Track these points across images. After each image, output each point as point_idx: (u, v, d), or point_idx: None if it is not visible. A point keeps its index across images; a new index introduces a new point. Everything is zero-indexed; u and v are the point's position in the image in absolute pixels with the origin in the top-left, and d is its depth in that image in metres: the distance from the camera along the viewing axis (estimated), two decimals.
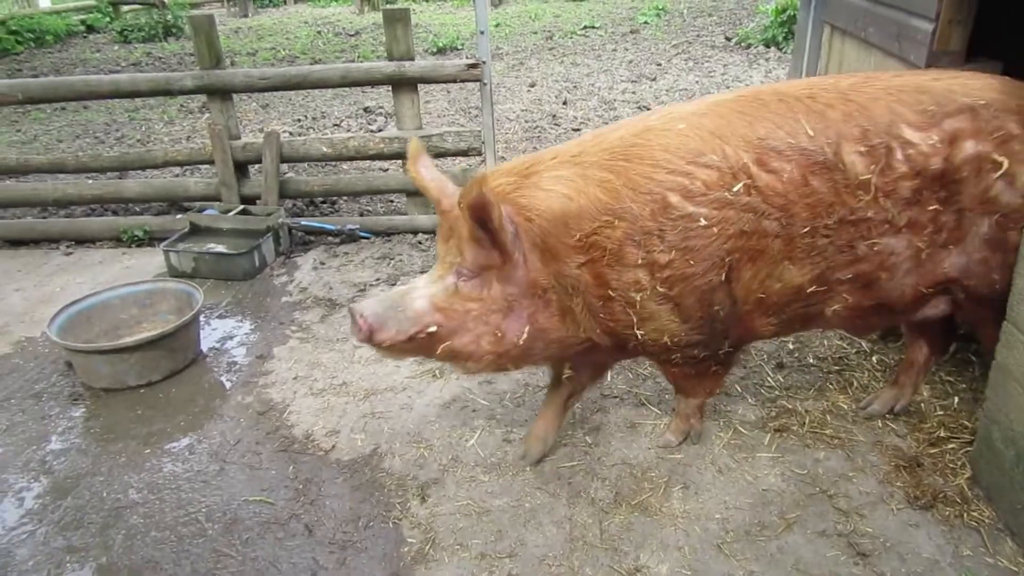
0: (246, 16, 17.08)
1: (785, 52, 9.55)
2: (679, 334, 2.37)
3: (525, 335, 2.31)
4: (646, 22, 12.88)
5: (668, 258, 2.22)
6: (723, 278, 2.28)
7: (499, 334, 2.30)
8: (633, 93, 8.19)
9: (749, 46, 10.17)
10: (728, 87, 8.16)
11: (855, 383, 3.18)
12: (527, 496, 2.72)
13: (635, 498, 2.66)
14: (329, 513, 2.71)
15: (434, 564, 2.45)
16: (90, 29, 15.20)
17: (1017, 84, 2.36)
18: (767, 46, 10.01)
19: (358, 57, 10.62)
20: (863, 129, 2.22)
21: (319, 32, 13.21)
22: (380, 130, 7.04)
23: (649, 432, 2.99)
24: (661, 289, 2.25)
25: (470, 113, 7.71)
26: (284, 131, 7.00)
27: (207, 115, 8.06)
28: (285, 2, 18.69)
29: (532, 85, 8.81)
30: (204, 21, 4.68)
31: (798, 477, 2.71)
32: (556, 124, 7.25)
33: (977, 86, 2.29)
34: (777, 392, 3.18)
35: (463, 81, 4.61)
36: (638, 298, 2.26)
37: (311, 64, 10.11)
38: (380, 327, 2.26)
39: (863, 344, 3.46)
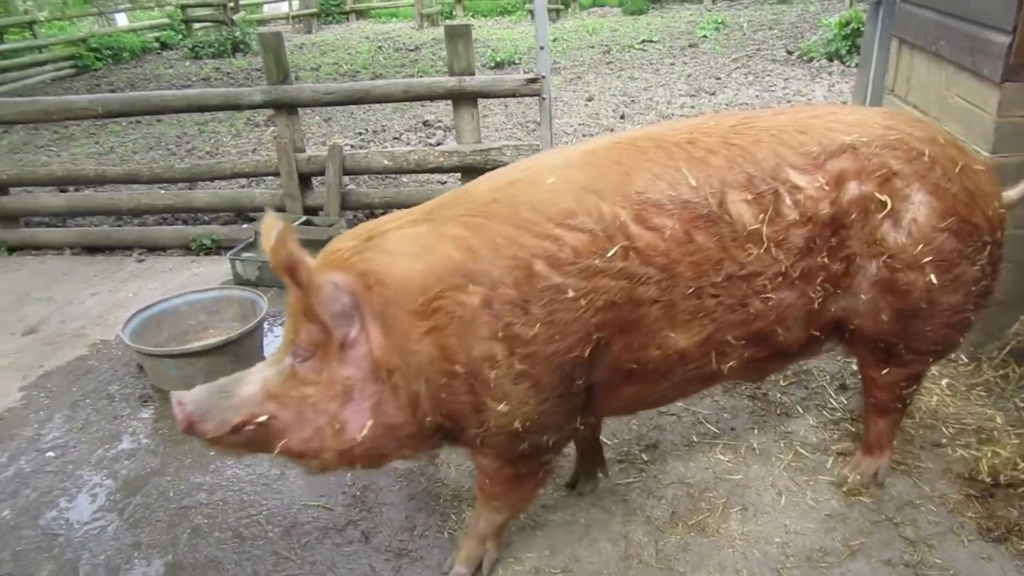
0: (310, 32, 17.59)
1: (849, 66, 9.36)
2: (532, 416, 2.01)
3: (367, 429, 1.96)
4: (705, 36, 12.79)
5: (532, 333, 1.89)
6: (588, 353, 1.99)
7: (338, 426, 1.96)
8: (692, 107, 8.13)
9: (811, 60, 10.00)
10: (789, 101, 8.03)
11: (923, 407, 3.08)
12: (582, 512, 2.71)
13: (692, 518, 2.62)
14: (385, 521, 2.74)
15: None
16: (163, 46, 15.86)
17: (895, 115, 2.27)
18: (830, 60, 9.83)
19: (418, 72, 10.82)
20: (748, 175, 2.04)
21: (380, 47, 13.52)
22: (439, 144, 7.14)
23: (707, 451, 2.94)
24: (520, 366, 1.92)
25: (527, 127, 7.77)
26: (346, 144, 7.18)
27: (271, 128, 8.33)
28: (347, 18, 19.17)
29: (589, 99, 8.84)
30: (272, 38, 4.84)
31: (862, 503, 2.63)
32: None
33: (853, 121, 2.17)
34: (840, 414, 3.10)
35: (522, 96, 4.65)
36: (492, 376, 1.92)
37: (373, 79, 10.33)
38: (202, 417, 1.96)
39: (933, 369, 3.35)
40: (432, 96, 4.78)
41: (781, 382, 3.33)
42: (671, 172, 2.01)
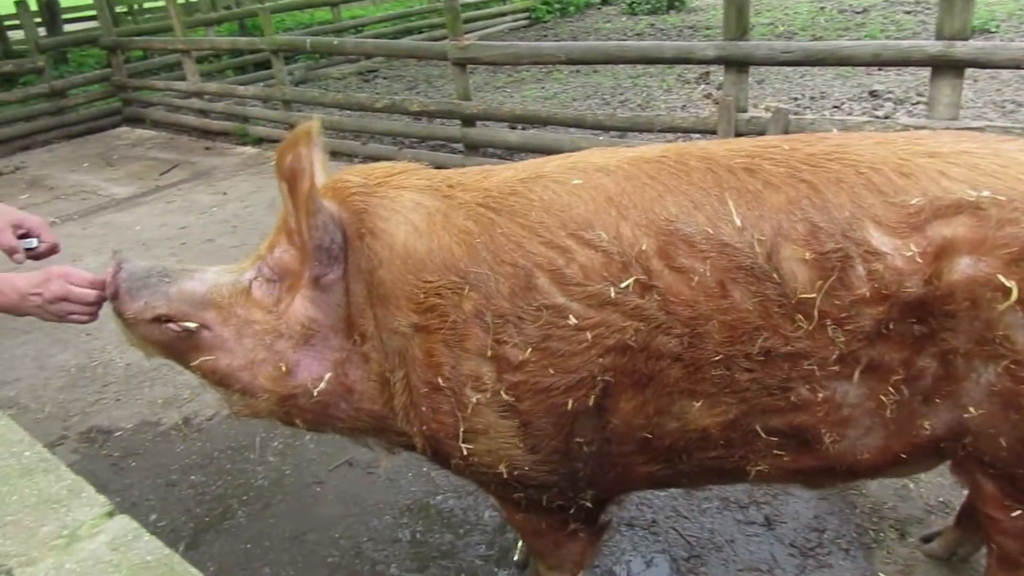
0: None
1: None
2: (521, 466, 1.71)
3: (324, 384, 1.73)
4: None
5: (522, 357, 1.59)
6: (592, 403, 1.62)
7: (284, 368, 1.73)
8: None
9: None
10: None
11: None
12: None
13: None
14: (792, 513, 2.58)
15: None
16: (604, 2, 16.82)
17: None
18: None
19: (864, 37, 9.79)
20: (812, 226, 1.50)
21: (822, 8, 12.52)
22: (887, 117, 6.39)
23: None
24: (507, 397, 1.62)
25: (1003, 108, 6.54)
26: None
27: (701, 87, 8.29)
28: None
29: None
30: None
31: None
32: None
33: (991, 167, 1.48)
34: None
35: None
36: (474, 400, 1.63)
37: (836, 40, 9.62)
38: (128, 291, 1.74)
39: None
40: (908, 62, 4.23)
41: None
42: (714, 203, 1.56)
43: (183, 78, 9.24)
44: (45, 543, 0.96)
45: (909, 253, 1.48)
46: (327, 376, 1.74)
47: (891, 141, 1.63)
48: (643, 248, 1.55)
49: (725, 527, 2.54)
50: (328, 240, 1.67)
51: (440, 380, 1.65)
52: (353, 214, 1.70)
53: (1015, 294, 1.43)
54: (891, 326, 1.52)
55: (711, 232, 1.54)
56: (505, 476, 1.74)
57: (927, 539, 2.40)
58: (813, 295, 1.51)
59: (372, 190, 1.74)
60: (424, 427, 1.73)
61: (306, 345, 1.73)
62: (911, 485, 2.63)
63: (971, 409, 1.56)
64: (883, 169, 1.54)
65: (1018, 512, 1.72)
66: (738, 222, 1.54)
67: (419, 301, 1.63)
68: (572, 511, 1.88)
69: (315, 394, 1.74)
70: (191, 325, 1.73)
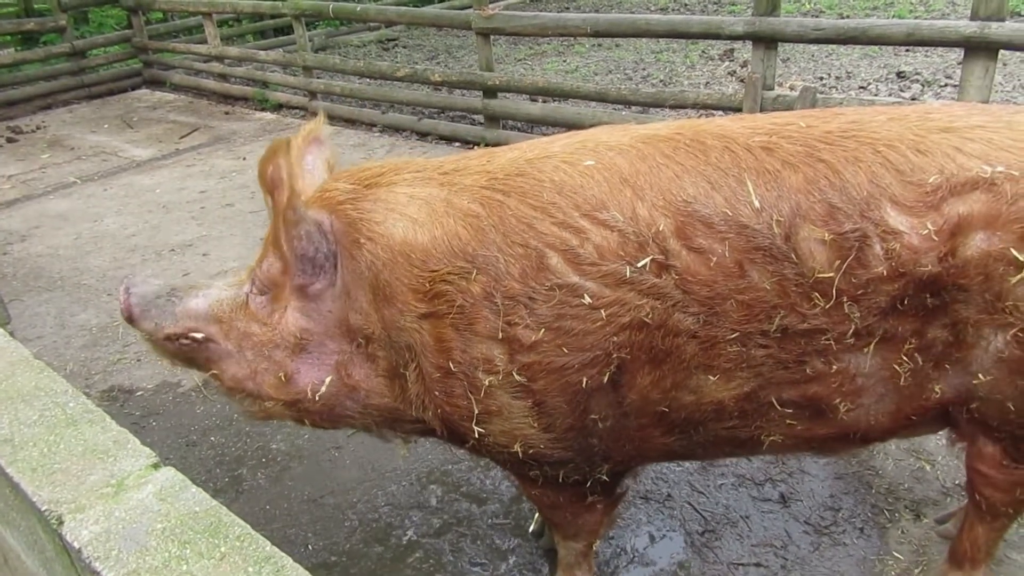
0: None
1: None
2: (536, 444, 1.74)
3: (325, 388, 1.76)
4: None
5: (534, 338, 1.60)
6: (607, 380, 1.63)
7: (283, 377, 1.78)
8: None
9: None
10: None
11: None
12: None
13: None
14: (807, 491, 2.59)
15: None
16: None
17: None
18: None
19: (893, 15, 9.61)
20: (830, 207, 1.53)
21: None
22: (914, 99, 6.29)
23: None
24: (519, 378, 1.64)
25: None
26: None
27: (725, 64, 8.18)
28: None
29: None
30: None
31: None
32: None
33: (1006, 141, 1.51)
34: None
35: None
36: (486, 382, 1.65)
37: (867, 17, 9.46)
38: (141, 313, 1.81)
39: None
40: (942, 42, 4.14)
41: None
42: (732, 184, 1.57)
43: (204, 42, 9.20)
44: (94, 491, 0.98)
45: (926, 231, 1.51)
46: (328, 380, 1.77)
47: (904, 116, 1.65)
48: (660, 228, 1.57)
49: (740, 503, 2.56)
50: (312, 250, 1.68)
51: (451, 364, 1.66)
52: (346, 224, 1.70)
53: None
54: (906, 301, 1.56)
55: (730, 213, 1.56)
56: (521, 455, 1.76)
57: (941, 520, 2.41)
58: (831, 274, 1.53)
59: (363, 195, 1.73)
60: (439, 411, 1.75)
61: (302, 353, 1.77)
62: (927, 467, 2.63)
63: (980, 376, 1.62)
64: (899, 147, 1.56)
65: (1013, 467, 1.82)
66: (757, 203, 1.55)
67: (425, 290, 1.64)
68: (588, 484, 1.91)
69: (318, 398, 1.77)
70: (198, 336, 1.80)
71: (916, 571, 2.24)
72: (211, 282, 1.90)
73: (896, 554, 2.32)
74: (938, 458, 2.67)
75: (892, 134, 1.58)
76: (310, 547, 2.57)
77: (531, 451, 1.76)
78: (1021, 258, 1.49)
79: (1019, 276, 1.50)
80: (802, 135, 1.62)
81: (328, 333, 1.75)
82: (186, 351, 1.82)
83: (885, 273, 1.53)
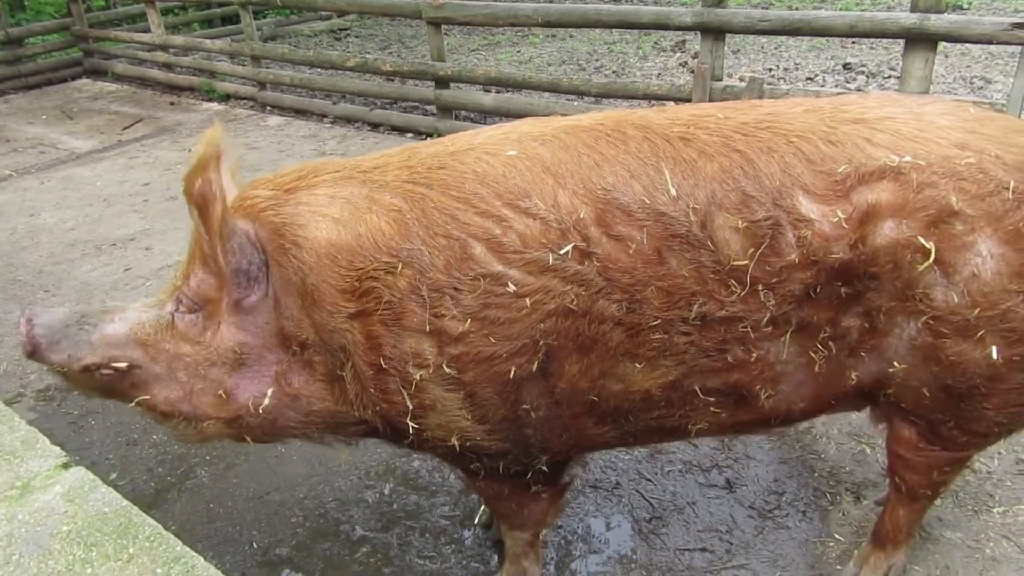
0: None
1: None
2: (472, 436, 1.74)
3: (267, 400, 1.73)
4: None
5: (462, 328, 1.60)
6: (536, 368, 1.64)
7: (223, 394, 1.73)
8: None
9: None
10: None
11: None
12: (990, 541, 2.30)
13: None
14: (752, 476, 2.63)
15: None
16: None
17: (985, 122, 1.62)
18: None
19: (839, 7, 9.80)
20: (744, 195, 1.56)
21: None
22: (859, 90, 6.42)
23: None
24: (449, 370, 1.64)
25: (972, 84, 6.60)
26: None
27: (677, 55, 8.24)
28: None
29: None
30: None
31: None
32: None
33: (912, 131, 1.58)
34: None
35: (1000, 43, 3.89)
36: (418, 376, 1.64)
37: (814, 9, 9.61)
38: (50, 346, 1.68)
39: None
40: (883, 33, 4.23)
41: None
42: (650, 173, 1.60)
43: (147, 30, 8.93)
44: None
45: (836, 219, 1.55)
46: (269, 392, 1.73)
47: (819, 108, 1.68)
48: (581, 216, 1.58)
49: (687, 490, 2.58)
50: (246, 262, 1.65)
51: (383, 361, 1.64)
52: (270, 231, 1.66)
53: (934, 254, 1.53)
54: (819, 289, 1.60)
55: (647, 201, 1.58)
56: (458, 448, 1.75)
57: (880, 502, 2.46)
58: (746, 262, 1.57)
59: (284, 199, 1.70)
60: (377, 408, 1.73)
61: (241, 368, 1.73)
62: (868, 450, 2.69)
63: (895, 363, 1.67)
64: (811, 138, 1.60)
65: (928, 451, 1.87)
66: (673, 191, 1.58)
67: (352, 289, 1.62)
68: (530, 475, 1.91)
69: (260, 411, 1.73)
70: (121, 365, 1.71)
71: (856, 552, 2.28)
72: (124, 305, 1.81)
73: (837, 536, 2.36)
74: (878, 441, 2.72)
75: (805, 125, 1.62)
76: (255, 544, 2.51)
77: (468, 444, 1.75)
78: (928, 246, 1.53)
79: (927, 264, 1.54)
80: (719, 126, 1.65)
81: (266, 345, 1.72)
82: (107, 381, 1.73)
83: (798, 261, 1.57)
